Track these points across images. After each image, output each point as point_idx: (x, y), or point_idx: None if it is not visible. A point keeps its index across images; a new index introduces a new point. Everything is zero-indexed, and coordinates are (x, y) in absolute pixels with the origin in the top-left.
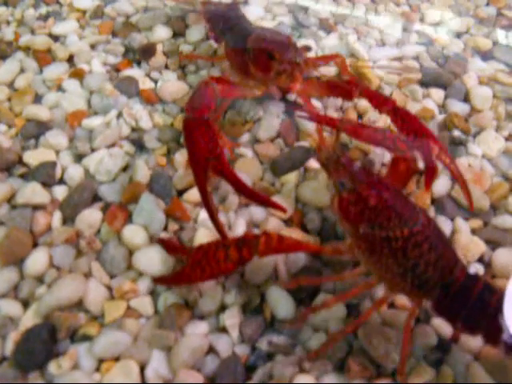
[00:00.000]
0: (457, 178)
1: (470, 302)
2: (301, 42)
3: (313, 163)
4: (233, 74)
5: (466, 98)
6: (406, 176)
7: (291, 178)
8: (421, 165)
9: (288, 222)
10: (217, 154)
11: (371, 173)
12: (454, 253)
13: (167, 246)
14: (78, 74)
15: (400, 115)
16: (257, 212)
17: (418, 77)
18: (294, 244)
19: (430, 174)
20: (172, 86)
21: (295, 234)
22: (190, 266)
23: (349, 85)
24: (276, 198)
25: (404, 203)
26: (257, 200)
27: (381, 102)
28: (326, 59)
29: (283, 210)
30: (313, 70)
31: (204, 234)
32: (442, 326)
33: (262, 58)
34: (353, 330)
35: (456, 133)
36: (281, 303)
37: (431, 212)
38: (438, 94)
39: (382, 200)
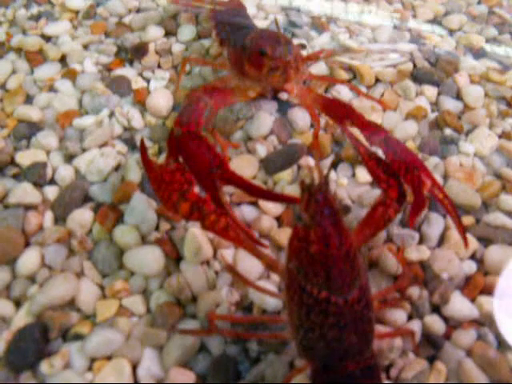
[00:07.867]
0: (450, 214)
1: None
2: (294, 41)
3: (306, 161)
4: (232, 75)
5: (459, 96)
6: (380, 223)
7: (284, 175)
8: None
9: (280, 221)
10: (219, 163)
11: (338, 222)
12: (363, 344)
13: (142, 148)
14: (71, 74)
15: (392, 146)
16: (248, 211)
17: (410, 68)
18: (235, 237)
19: (417, 208)
20: (161, 95)
21: (285, 233)
22: (151, 179)
23: (344, 111)
24: None
25: (345, 270)
26: (272, 199)
27: (372, 131)
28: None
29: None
30: (305, 67)
31: (195, 234)
32: (435, 323)
33: (255, 55)
34: None
35: (447, 131)
36: (266, 296)
37: None
38: (431, 90)
39: (323, 254)
